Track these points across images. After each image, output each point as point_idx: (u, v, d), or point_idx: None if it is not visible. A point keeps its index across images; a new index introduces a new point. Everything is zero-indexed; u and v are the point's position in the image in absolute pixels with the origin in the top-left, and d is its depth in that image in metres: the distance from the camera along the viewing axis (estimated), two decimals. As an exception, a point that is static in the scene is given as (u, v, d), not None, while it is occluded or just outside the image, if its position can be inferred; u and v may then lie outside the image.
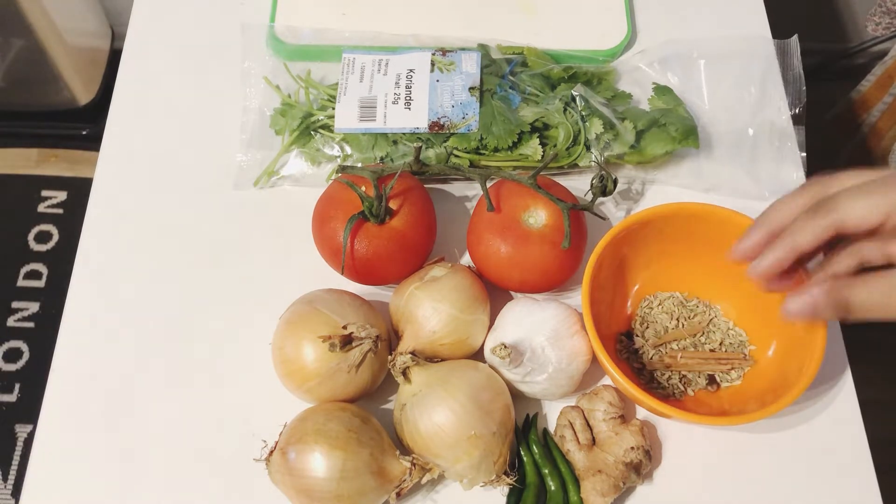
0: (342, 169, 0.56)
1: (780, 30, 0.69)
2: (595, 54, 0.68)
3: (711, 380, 0.55)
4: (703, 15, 0.72)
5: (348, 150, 0.61)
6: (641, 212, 0.54)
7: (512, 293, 0.58)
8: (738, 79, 0.66)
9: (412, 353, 0.51)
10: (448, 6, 0.70)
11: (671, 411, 0.48)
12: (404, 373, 0.50)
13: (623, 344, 0.56)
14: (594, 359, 0.52)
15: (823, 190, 0.42)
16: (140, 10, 0.72)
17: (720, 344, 0.56)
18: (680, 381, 0.55)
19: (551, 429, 0.54)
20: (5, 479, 1.18)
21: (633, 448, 0.50)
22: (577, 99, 0.62)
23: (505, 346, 0.49)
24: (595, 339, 0.49)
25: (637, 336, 0.56)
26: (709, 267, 0.56)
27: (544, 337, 0.51)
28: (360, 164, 0.61)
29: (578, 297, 0.55)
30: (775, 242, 0.43)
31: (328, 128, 0.62)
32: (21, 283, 1.33)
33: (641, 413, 0.55)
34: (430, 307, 0.51)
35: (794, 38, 0.66)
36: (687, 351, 0.55)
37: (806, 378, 0.48)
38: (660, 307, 0.57)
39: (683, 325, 0.57)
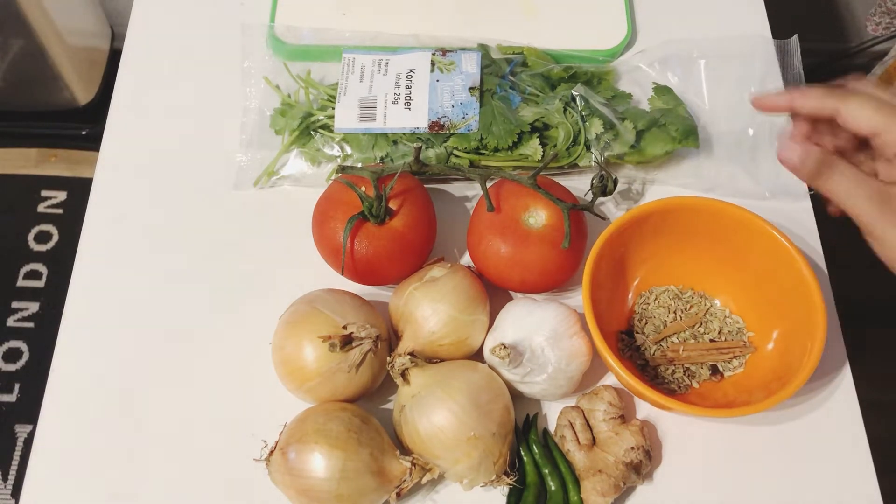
0: (342, 169, 0.56)
1: (780, 30, 0.69)
2: (595, 54, 0.68)
3: (714, 370, 0.55)
4: (704, 15, 0.72)
5: (348, 150, 0.61)
6: (636, 208, 0.54)
7: (512, 293, 0.58)
8: (738, 79, 0.66)
9: (411, 354, 0.51)
10: (448, 6, 0.70)
11: (675, 405, 0.48)
12: (403, 374, 0.50)
13: (625, 342, 0.56)
14: (595, 358, 0.52)
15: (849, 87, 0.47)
16: (140, 10, 0.72)
17: (719, 332, 0.56)
18: (684, 374, 0.55)
19: (551, 429, 0.54)
20: (5, 479, 1.18)
21: (633, 448, 0.50)
22: (577, 99, 0.62)
23: (504, 347, 0.49)
24: (597, 336, 0.49)
25: (637, 333, 0.56)
26: (704, 260, 0.57)
27: (544, 337, 0.51)
28: (360, 164, 0.61)
29: (578, 297, 0.55)
30: (785, 91, 0.49)
31: (328, 128, 0.62)
32: (21, 283, 1.33)
33: (642, 413, 0.55)
34: (430, 308, 0.51)
35: (794, 38, 0.66)
36: (688, 343, 0.56)
37: (811, 362, 0.48)
38: (656, 302, 0.57)
39: (681, 317, 0.57)
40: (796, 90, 0.48)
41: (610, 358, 0.49)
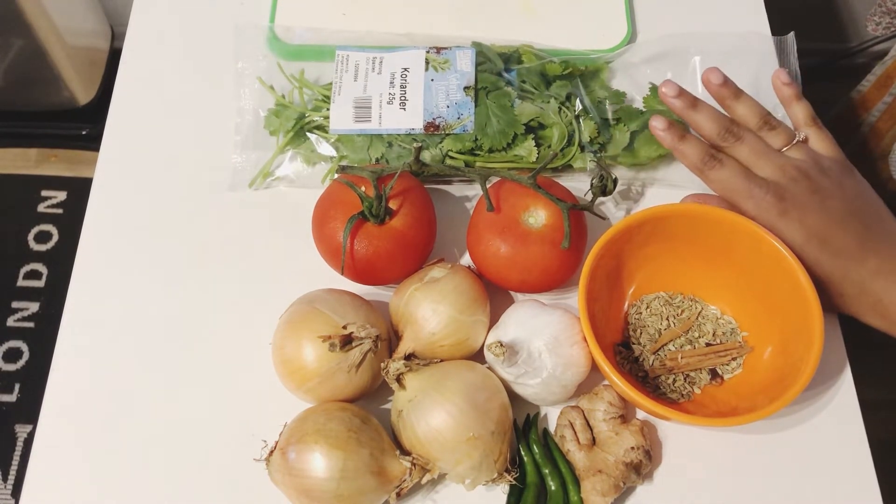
0: (342, 169, 0.56)
1: (780, 30, 0.69)
2: (595, 54, 0.68)
3: (714, 374, 0.55)
4: (704, 14, 0.72)
5: (343, 151, 0.61)
6: (628, 217, 0.54)
7: (512, 293, 0.58)
8: (734, 75, 0.66)
9: (407, 357, 0.51)
10: (449, 7, 0.70)
11: (681, 417, 0.48)
12: (398, 379, 0.50)
13: (623, 355, 0.56)
14: (593, 368, 0.52)
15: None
16: (140, 10, 0.72)
17: (713, 335, 0.56)
18: (685, 382, 0.55)
19: (551, 429, 0.54)
20: (5, 479, 1.18)
21: (633, 448, 0.50)
22: (572, 98, 0.61)
23: (501, 345, 0.49)
24: (597, 351, 0.49)
25: (634, 344, 0.56)
26: (696, 265, 0.57)
27: (543, 342, 0.51)
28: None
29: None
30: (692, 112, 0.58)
31: (323, 128, 0.62)
32: (21, 283, 1.33)
33: (642, 413, 0.55)
34: (430, 308, 0.51)
35: (791, 35, 0.66)
36: (685, 350, 0.55)
37: (808, 369, 0.48)
38: (648, 310, 0.57)
39: (674, 323, 0.57)
40: (683, 141, 0.56)
41: (612, 373, 0.48)
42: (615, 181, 0.58)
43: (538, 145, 0.60)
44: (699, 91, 0.66)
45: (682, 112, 0.58)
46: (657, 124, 0.57)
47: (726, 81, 0.59)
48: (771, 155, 0.56)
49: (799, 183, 0.54)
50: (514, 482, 0.50)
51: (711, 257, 0.56)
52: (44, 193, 1.41)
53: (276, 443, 0.49)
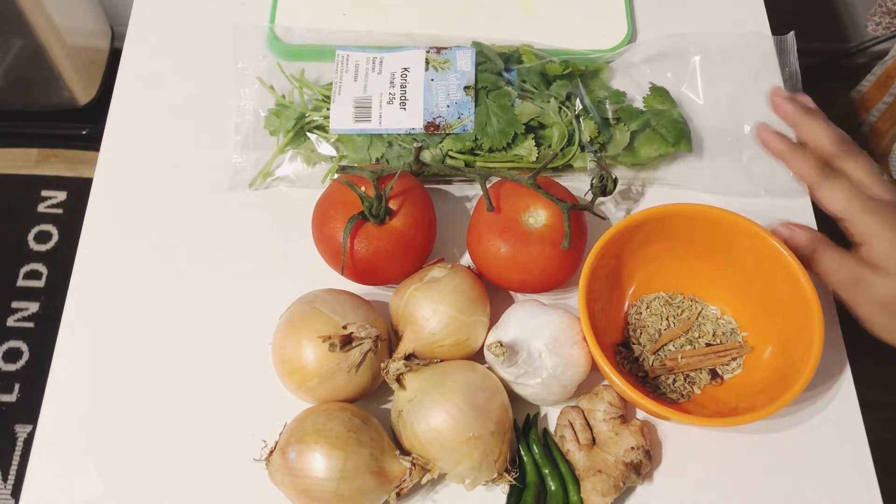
0: (342, 169, 0.56)
1: (780, 30, 0.69)
2: (595, 54, 0.68)
3: (714, 374, 0.55)
4: (704, 14, 0.72)
5: (343, 150, 0.61)
6: (629, 217, 0.53)
7: (512, 293, 0.58)
8: (734, 75, 0.66)
9: (407, 357, 0.51)
10: (449, 7, 0.70)
11: (680, 417, 0.48)
12: (398, 379, 0.50)
13: (623, 355, 0.56)
14: (593, 368, 0.52)
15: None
16: (140, 10, 0.72)
17: (713, 335, 0.56)
18: (685, 382, 0.55)
19: (551, 429, 0.54)
20: (5, 479, 1.18)
21: (633, 448, 0.50)
22: (572, 98, 0.61)
23: (501, 345, 0.49)
24: (597, 351, 0.49)
25: (634, 344, 0.56)
26: (697, 265, 0.57)
27: (543, 342, 0.51)
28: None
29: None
30: (786, 145, 0.55)
31: (323, 128, 0.62)
32: (21, 283, 1.33)
33: (642, 413, 0.55)
34: (430, 308, 0.51)
35: (791, 34, 0.66)
36: (685, 350, 0.55)
37: (808, 370, 0.48)
38: (648, 310, 0.57)
39: (674, 323, 0.57)
40: (797, 149, 0.54)
41: (612, 373, 0.48)
42: (615, 181, 0.58)
43: (538, 145, 0.60)
44: (700, 90, 0.66)
45: (794, 118, 0.55)
46: (769, 131, 0.55)
47: (808, 107, 0.57)
48: (880, 178, 0.54)
49: None
50: (513, 482, 0.50)
51: (711, 257, 0.56)
52: (44, 193, 1.41)
53: (276, 443, 0.49)
